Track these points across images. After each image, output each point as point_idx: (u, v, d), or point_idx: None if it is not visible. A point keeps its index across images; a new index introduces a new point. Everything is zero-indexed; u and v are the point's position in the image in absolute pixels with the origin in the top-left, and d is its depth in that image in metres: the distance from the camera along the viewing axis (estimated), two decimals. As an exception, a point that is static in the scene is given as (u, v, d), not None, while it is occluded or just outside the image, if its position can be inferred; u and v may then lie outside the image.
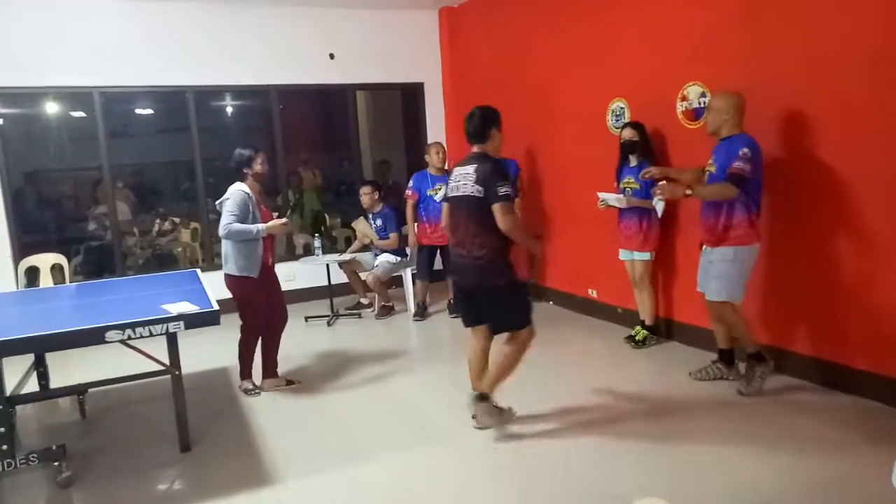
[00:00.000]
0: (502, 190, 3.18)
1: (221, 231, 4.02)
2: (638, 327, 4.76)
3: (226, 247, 4.10)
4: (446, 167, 5.76)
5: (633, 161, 4.56)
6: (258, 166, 4.15)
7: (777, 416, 3.42)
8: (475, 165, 3.28)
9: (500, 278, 3.31)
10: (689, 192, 3.57)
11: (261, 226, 4.07)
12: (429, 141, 7.41)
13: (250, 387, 4.28)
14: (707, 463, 3.00)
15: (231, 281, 4.12)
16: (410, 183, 5.89)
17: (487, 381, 3.40)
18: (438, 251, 5.91)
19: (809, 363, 3.79)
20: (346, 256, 6.29)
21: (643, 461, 3.08)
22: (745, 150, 3.46)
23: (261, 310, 4.19)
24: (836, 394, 3.61)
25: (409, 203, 5.86)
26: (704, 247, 3.77)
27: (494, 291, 3.33)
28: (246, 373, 4.32)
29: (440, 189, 5.72)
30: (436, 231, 5.80)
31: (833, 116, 3.52)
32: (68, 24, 5.83)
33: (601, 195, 4.59)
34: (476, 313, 3.47)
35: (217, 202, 4.19)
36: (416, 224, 5.95)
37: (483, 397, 3.36)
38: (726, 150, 3.55)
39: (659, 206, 3.98)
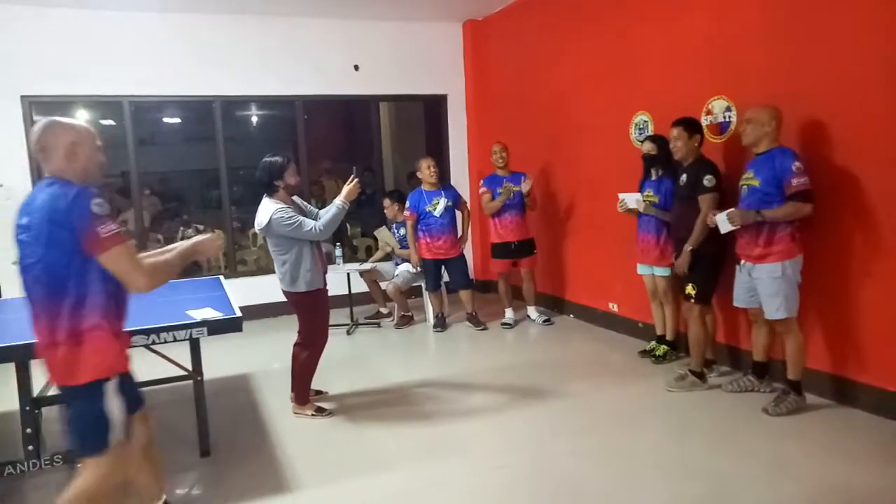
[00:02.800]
0: None
1: (319, 236, 3.73)
2: (654, 342, 4.74)
3: (286, 265, 3.77)
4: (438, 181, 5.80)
5: (654, 175, 4.54)
6: (291, 177, 3.77)
7: (803, 435, 3.37)
8: None
9: None
10: (759, 217, 3.52)
11: (338, 200, 3.79)
12: (450, 153, 7.48)
13: (324, 408, 4.03)
14: (732, 482, 2.96)
15: (303, 298, 3.82)
16: (407, 203, 5.88)
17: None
18: (444, 265, 5.90)
19: (827, 379, 3.74)
20: (367, 266, 6.33)
21: (667, 479, 3.05)
22: (798, 163, 3.42)
23: (328, 320, 4.02)
24: (857, 411, 3.56)
25: (409, 223, 5.88)
26: (744, 262, 3.70)
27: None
28: (307, 397, 4.02)
29: (438, 203, 5.75)
30: (440, 247, 5.80)
31: (856, 129, 3.48)
32: (100, 35, 5.97)
33: (621, 196, 4.60)
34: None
35: (259, 229, 3.80)
36: (416, 241, 5.90)
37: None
38: (770, 165, 3.49)
39: (724, 227, 3.67)
